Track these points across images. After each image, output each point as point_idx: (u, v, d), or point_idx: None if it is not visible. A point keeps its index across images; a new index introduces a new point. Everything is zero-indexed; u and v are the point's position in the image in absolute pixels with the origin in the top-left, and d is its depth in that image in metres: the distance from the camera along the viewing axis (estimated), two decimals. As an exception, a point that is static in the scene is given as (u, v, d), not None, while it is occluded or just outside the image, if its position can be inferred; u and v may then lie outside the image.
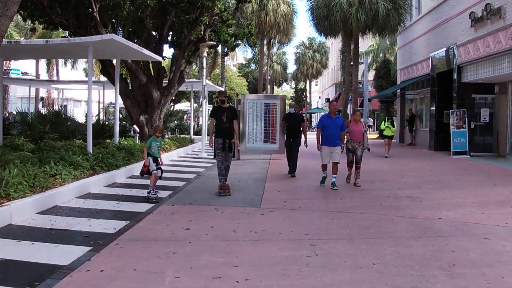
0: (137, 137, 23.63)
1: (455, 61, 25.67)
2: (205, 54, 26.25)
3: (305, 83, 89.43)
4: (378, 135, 46.42)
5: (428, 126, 29.91)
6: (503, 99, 24.46)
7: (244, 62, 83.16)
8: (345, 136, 14.74)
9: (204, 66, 26.67)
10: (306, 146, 17.55)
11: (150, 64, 25.84)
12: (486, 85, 24.93)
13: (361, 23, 26.47)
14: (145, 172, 12.65)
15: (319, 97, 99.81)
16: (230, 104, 15.02)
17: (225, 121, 12.97)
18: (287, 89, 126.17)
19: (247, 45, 47.58)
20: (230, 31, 29.26)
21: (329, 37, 31.60)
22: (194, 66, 53.24)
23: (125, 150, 18.51)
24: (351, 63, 31.60)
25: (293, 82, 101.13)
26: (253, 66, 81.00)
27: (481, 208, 11.27)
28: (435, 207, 11.35)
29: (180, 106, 55.28)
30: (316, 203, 11.94)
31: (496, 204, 11.74)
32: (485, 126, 25.31)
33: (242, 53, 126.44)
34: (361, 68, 44.34)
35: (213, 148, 13.27)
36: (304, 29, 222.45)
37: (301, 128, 17.39)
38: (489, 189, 14.26)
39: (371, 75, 53.69)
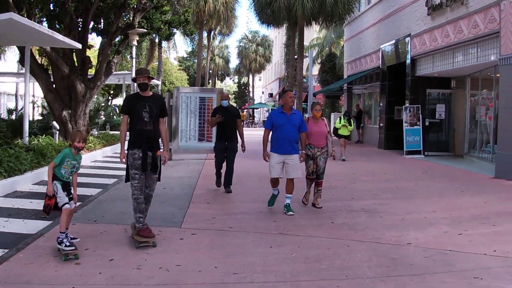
0: (57, 135, 20.76)
1: (408, 53, 23.77)
2: (134, 42, 23.78)
3: (248, 78, 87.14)
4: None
5: (378, 123, 28.04)
6: (460, 94, 22.75)
7: (185, 55, 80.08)
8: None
9: (134, 56, 24.22)
10: (244, 150, 13.15)
11: (74, 54, 23.02)
12: (442, 79, 23.21)
13: (307, 11, 24.19)
14: (51, 207, 7.31)
15: (263, 92, 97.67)
16: (155, 92, 11.49)
17: (147, 119, 7.95)
18: (230, 84, 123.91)
19: (187, 37, 44.99)
20: (164, 18, 26.66)
21: (272, 27, 29.16)
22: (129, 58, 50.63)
23: (34, 151, 15.67)
24: (296, 56, 29.18)
25: (236, 76, 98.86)
26: (194, 59, 78.05)
27: (456, 226, 9.11)
28: (400, 226, 9.14)
29: (119, 101, 52.37)
30: (252, 221, 9.55)
31: (473, 221, 9.58)
32: (440, 124, 23.62)
33: (184, 45, 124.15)
34: (306, 62, 42.64)
35: (126, 166, 8.10)
36: (247, 22, 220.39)
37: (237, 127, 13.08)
38: (458, 198, 12.21)
39: (316, 70, 51.90)
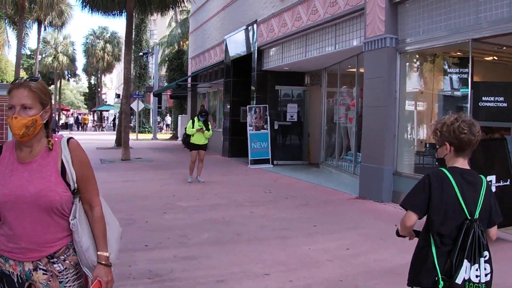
0: None
1: (254, 42, 19.85)
2: None
3: (97, 78, 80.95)
4: (173, 137, 40.67)
5: (222, 127, 23.88)
6: (315, 92, 19.23)
7: (29, 52, 72.73)
8: None
9: None
10: None
11: None
12: (295, 74, 19.60)
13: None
14: None
15: (116, 95, 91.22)
16: None
17: None
18: (82, 85, 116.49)
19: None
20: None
21: (95, 11, 24.16)
22: None
23: None
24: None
25: (84, 76, 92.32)
26: (39, 57, 70.86)
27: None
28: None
29: None
30: None
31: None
32: (292, 127, 20.01)
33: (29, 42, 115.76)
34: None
35: None
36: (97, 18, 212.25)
37: None
38: (309, 239, 8.17)
39: (164, 70, 47.75)
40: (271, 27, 18.23)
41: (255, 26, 19.83)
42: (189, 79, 30.56)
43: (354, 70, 14.97)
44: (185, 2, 22.90)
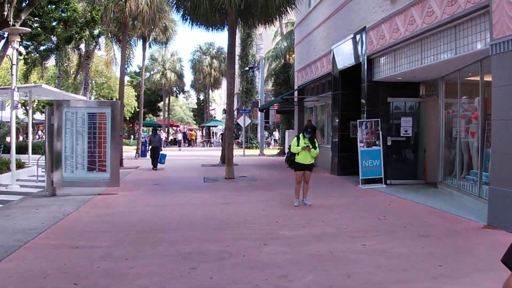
0: None
1: (363, 51, 18.36)
2: (15, 45, 17.91)
3: (205, 94, 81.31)
4: (280, 153, 39.53)
5: (331, 143, 22.41)
6: (431, 103, 17.47)
7: (137, 70, 73.72)
8: None
9: (14, 61, 18.42)
10: None
11: None
12: (408, 85, 17.85)
13: (234, 1, 18.67)
14: None
15: (223, 110, 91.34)
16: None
17: None
18: (192, 101, 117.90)
19: (114, 42, 39.04)
20: (57, 15, 20.97)
21: (196, 24, 23.27)
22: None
23: None
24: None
25: (192, 92, 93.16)
26: (147, 74, 71.86)
27: None
28: None
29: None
30: None
31: None
32: (406, 142, 18.20)
33: (139, 59, 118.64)
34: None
35: None
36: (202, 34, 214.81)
37: None
38: None
39: (271, 84, 46.89)
40: (382, 33, 16.69)
41: (363, 33, 18.35)
42: (295, 93, 29.30)
43: (477, 78, 13.14)
44: (289, 11, 21.57)
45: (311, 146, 13.11)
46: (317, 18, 25.17)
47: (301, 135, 13.38)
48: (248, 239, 9.27)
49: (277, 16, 21.78)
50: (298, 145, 13.21)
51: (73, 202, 14.28)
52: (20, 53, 22.99)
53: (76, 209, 12.99)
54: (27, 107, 30.34)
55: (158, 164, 25.51)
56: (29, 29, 18.71)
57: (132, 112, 64.25)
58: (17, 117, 42.71)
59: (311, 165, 13.48)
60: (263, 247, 8.65)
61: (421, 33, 14.04)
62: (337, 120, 21.36)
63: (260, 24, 23.72)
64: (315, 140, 13.50)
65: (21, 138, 37.66)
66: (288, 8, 21.24)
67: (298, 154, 13.25)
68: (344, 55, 20.74)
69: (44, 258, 8.12)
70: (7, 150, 27.24)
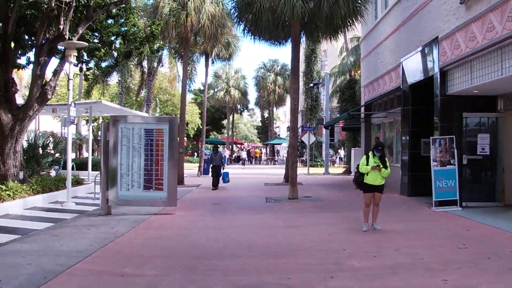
0: None
1: (436, 63, 17.14)
2: (72, 59, 17.52)
3: (269, 111, 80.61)
4: (345, 172, 38.37)
5: (400, 161, 21.15)
6: (510, 118, 16.00)
7: (202, 87, 73.58)
8: None
9: (70, 77, 18.13)
10: None
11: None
12: (485, 99, 16.50)
13: (297, 12, 17.79)
14: None
15: (287, 128, 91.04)
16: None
17: None
18: (256, 119, 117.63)
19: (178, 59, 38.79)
20: (115, 29, 20.52)
21: (258, 39, 22.49)
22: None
23: None
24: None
25: (256, 110, 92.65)
26: (211, 91, 71.66)
27: None
28: None
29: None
30: None
31: None
32: (483, 161, 16.70)
33: (201, 76, 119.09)
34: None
35: None
36: (265, 50, 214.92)
37: None
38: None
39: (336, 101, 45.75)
40: (456, 43, 15.43)
41: (436, 44, 17.12)
42: (362, 109, 28.11)
43: None
44: (354, 23, 20.51)
45: (381, 166, 12.00)
46: (384, 30, 24.02)
47: (370, 154, 12.25)
48: (312, 270, 8.29)
49: (342, 28, 20.75)
50: (367, 164, 12.11)
51: (127, 222, 13.70)
52: (80, 69, 22.70)
53: (129, 230, 12.40)
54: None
55: (222, 182, 24.57)
56: (86, 43, 18.28)
57: (196, 129, 64.31)
58: (79, 133, 43.19)
59: (382, 186, 12.31)
60: (329, 281, 7.68)
61: (501, 40, 12.79)
62: (407, 137, 20.09)
63: (324, 38, 22.79)
64: (386, 159, 12.34)
65: (85, 154, 37.65)
66: (353, 19, 20.19)
67: (367, 174, 12.15)
68: (415, 68, 19.51)
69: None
70: (76, 166, 27.19)
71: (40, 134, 24.66)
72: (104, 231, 12.29)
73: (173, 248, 10.22)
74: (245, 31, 21.57)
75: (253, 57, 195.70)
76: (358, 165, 12.67)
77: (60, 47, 19.37)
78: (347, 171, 37.90)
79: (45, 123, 47.47)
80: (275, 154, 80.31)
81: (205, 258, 9.23)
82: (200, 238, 11.35)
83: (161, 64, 43.71)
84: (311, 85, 46.74)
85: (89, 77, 26.22)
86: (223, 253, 9.74)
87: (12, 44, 19.66)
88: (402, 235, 11.65)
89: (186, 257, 9.39)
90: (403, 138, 20.67)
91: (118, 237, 11.39)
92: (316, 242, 10.78)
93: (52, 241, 10.92)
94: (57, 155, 25.43)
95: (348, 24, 20.32)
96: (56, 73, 19.30)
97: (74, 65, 19.91)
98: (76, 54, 17.86)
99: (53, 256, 9.38)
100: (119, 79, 40.87)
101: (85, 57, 21.72)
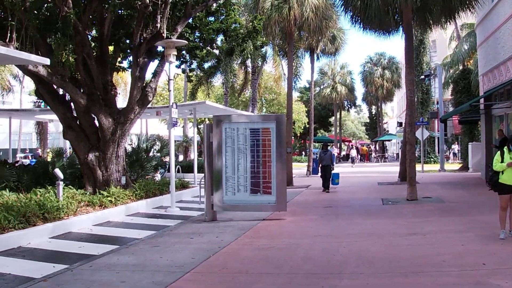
0: (60, 186, 14.71)
1: None
2: (171, 59, 17.00)
3: (377, 107, 78.40)
4: (462, 168, 36.31)
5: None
6: None
7: (307, 85, 72.62)
8: None
9: (171, 77, 17.48)
10: None
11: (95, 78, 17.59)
12: None
13: (410, -2, 16.37)
14: None
15: (398, 123, 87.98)
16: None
17: None
18: (363, 115, 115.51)
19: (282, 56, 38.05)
20: (215, 26, 19.76)
21: (366, 28, 21.09)
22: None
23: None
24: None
25: (365, 105, 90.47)
26: (317, 89, 70.57)
27: None
28: None
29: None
30: None
31: None
32: None
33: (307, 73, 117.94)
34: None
35: None
36: (371, 43, 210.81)
37: None
38: None
39: (448, 93, 43.45)
40: None
41: None
42: (481, 100, 26.00)
43: None
44: (473, 4, 18.71)
45: None
46: (503, 11, 21.97)
47: (505, 149, 10.61)
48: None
49: (459, 10, 19.01)
50: (502, 161, 10.48)
51: (233, 229, 12.89)
52: (183, 71, 22.16)
53: (235, 239, 11.53)
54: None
55: (331, 184, 23.09)
56: (185, 41, 17.78)
57: (303, 128, 63.48)
58: (186, 136, 43.21)
59: None
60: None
61: None
62: (537, 129, 18.11)
63: (438, 24, 21.12)
64: (525, 154, 10.64)
65: (192, 156, 37.58)
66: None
67: (502, 173, 10.53)
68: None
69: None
70: (182, 169, 26.92)
71: (144, 138, 24.43)
72: (208, 240, 11.54)
73: (284, 263, 9.15)
74: (353, 19, 20.30)
75: (359, 52, 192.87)
76: (491, 163, 11.09)
77: (159, 48, 18.92)
78: (464, 168, 35.78)
79: (152, 126, 48.05)
80: (385, 151, 78.04)
81: (321, 277, 8.14)
82: (315, 250, 10.25)
83: (265, 62, 43.13)
84: (422, 77, 44.53)
85: (192, 78, 25.75)
86: (342, 270, 8.55)
87: (112, 47, 19.46)
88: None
89: (300, 274, 8.34)
90: (532, 129, 18.68)
91: (222, 248, 10.56)
92: (448, 254, 9.33)
93: (151, 253, 10.24)
94: (165, 159, 25.17)
95: (466, 5, 18.59)
96: (156, 74, 18.97)
97: (176, 67, 19.42)
98: (175, 54, 17.36)
99: (150, 272, 8.62)
100: (223, 79, 40.50)
101: (187, 57, 21.21)
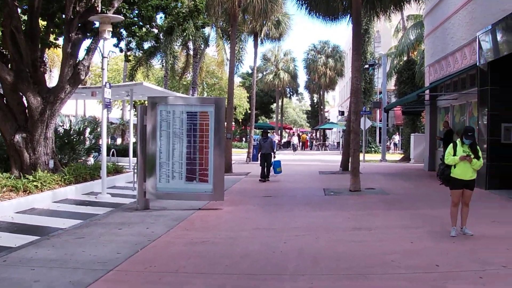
0: None
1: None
2: (107, 35, 15.73)
3: (319, 95, 78.29)
4: (403, 159, 36.20)
5: (475, 149, 18.73)
6: None
7: (250, 71, 71.76)
8: None
9: (105, 55, 16.27)
10: None
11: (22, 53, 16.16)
12: None
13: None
14: None
15: (340, 112, 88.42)
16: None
17: None
18: (305, 103, 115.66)
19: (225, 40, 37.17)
20: (154, 3, 18.61)
21: (314, 13, 20.36)
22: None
23: None
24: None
25: (307, 93, 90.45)
26: (260, 75, 69.84)
27: None
28: None
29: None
30: None
31: None
32: None
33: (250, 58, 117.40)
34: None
35: None
36: (315, 31, 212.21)
37: None
38: None
39: (392, 83, 43.42)
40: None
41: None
42: (427, 91, 25.61)
43: None
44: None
45: (473, 156, 9.67)
46: (453, 2, 21.53)
47: (458, 142, 9.92)
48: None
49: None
50: (454, 154, 9.78)
51: (166, 219, 11.92)
52: (121, 50, 20.99)
53: (167, 231, 10.58)
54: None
55: (273, 173, 22.01)
56: (122, 17, 16.63)
57: (244, 114, 62.81)
58: (122, 118, 41.85)
59: (473, 182, 9.97)
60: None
61: None
62: (485, 122, 17.64)
63: (386, 12, 20.60)
64: (477, 147, 9.97)
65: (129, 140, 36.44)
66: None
67: (454, 167, 9.84)
68: (494, 41, 16.98)
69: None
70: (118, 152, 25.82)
71: (79, 120, 23.14)
72: (138, 231, 10.54)
73: (220, 259, 8.21)
74: (299, 2, 19.52)
75: (303, 39, 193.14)
76: (442, 156, 10.42)
77: (96, 25, 17.70)
78: (406, 158, 35.71)
79: (90, 108, 46.51)
80: (326, 139, 78.08)
81: (260, 277, 7.24)
82: (253, 245, 9.32)
83: (208, 45, 42.07)
84: (366, 66, 44.30)
85: (130, 58, 24.51)
86: (282, 268, 7.67)
87: (46, 23, 18.22)
88: (503, 243, 9.27)
89: (236, 273, 7.44)
90: (479, 122, 18.23)
91: (152, 241, 9.57)
92: (397, 253, 8.53)
93: (74, 246, 9.18)
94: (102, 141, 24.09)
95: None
96: (89, 51, 17.83)
97: (114, 45, 18.35)
98: (111, 30, 16.13)
99: (68, 270, 7.56)
100: (163, 60, 39.24)
101: (124, 35, 20.01)
